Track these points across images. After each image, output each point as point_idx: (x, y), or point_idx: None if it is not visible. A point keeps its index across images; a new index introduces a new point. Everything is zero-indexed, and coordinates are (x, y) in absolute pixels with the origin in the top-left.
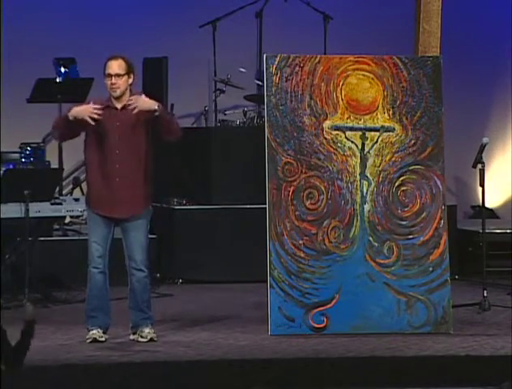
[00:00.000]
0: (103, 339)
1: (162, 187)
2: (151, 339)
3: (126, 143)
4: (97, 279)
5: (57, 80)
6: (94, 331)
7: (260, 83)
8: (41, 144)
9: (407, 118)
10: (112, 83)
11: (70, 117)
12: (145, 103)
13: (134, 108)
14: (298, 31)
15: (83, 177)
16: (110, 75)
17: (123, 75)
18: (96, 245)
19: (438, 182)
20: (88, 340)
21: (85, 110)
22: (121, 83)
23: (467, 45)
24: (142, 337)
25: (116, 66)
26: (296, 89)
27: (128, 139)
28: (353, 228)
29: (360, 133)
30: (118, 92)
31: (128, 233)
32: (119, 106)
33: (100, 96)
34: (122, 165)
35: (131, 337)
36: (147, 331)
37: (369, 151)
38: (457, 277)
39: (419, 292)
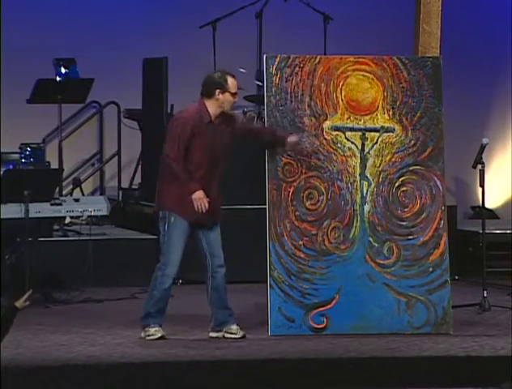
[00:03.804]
0: (165, 336)
1: None
2: (244, 336)
3: (220, 156)
4: (169, 284)
5: (57, 80)
6: (157, 329)
7: (260, 83)
8: (41, 145)
9: (407, 119)
10: (235, 101)
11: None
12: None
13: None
14: (298, 31)
15: (83, 177)
16: (237, 94)
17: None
18: (179, 252)
19: (438, 183)
20: (152, 337)
21: (200, 205)
22: None
23: (467, 45)
24: (231, 333)
25: (237, 84)
26: (296, 90)
27: (221, 152)
28: (353, 229)
29: (360, 133)
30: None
31: (210, 233)
32: (216, 120)
33: (100, 95)
34: (211, 178)
35: (213, 335)
36: (236, 328)
37: (368, 152)
38: (457, 278)
39: (419, 293)
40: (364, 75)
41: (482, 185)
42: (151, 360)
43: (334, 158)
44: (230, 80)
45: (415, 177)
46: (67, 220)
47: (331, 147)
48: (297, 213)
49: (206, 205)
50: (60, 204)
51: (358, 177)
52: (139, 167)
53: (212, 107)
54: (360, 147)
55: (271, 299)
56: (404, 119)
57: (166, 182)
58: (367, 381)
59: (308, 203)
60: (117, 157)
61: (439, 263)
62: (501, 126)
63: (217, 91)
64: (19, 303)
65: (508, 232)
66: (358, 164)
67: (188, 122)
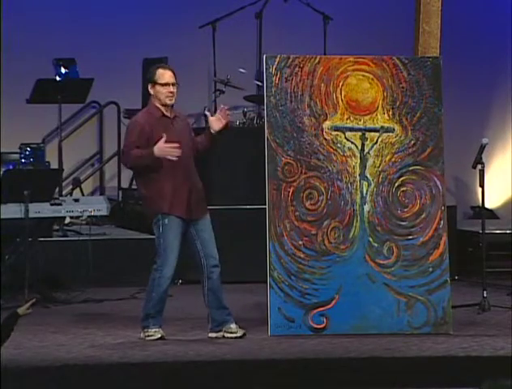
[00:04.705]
0: (165, 336)
1: None
2: (244, 334)
3: (186, 148)
4: (167, 285)
5: (57, 80)
6: (157, 329)
7: (260, 83)
8: (41, 145)
9: (406, 119)
10: (170, 92)
11: (157, 155)
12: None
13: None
14: (298, 31)
15: (83, 177)
16: (168, 84)
17: (176, 85)
18: (176, 253)
19: (438, 183)
20: (152, 338)
21: (169, 152)
22: (175, 92)
23: (467, 45)
24: (231, 333)
25: (171, 75)
26: (295, 90)
27: (186, 145)
28: (353, 229)
29: (359, 133)
30: (174, 101)
31: (203, 232)
32: (170, 115)
33: (100, 95)
34: (189, 169)
35: (213, 335)
36: (235, 327)
37: (368, 152)
38: (457, 278)
39: (419, 293)
40: (364, 75)
41: (482, 185)
42: (151, 360)
43: (334, 158)
44: (159, 72)
45: (415, 177)
46: (67, 220)
47: (331, 147)
48: (297, 213)
49: (174, 148)
50: (60, 204)
51: (358, 177)
52: None
53: (156, 102)
54: (359, 147)
55: (271, 299)
56: (404, 119)
57: (145, 190)
58: (367, 381)
59: (308, 203)
60: (117, 157)
61: (439, 263)
62: (501, 126)
63: (149, 86)
64: (21, 310)
65: (508, 232)
66: (358, 164)
67: (137, 123)
